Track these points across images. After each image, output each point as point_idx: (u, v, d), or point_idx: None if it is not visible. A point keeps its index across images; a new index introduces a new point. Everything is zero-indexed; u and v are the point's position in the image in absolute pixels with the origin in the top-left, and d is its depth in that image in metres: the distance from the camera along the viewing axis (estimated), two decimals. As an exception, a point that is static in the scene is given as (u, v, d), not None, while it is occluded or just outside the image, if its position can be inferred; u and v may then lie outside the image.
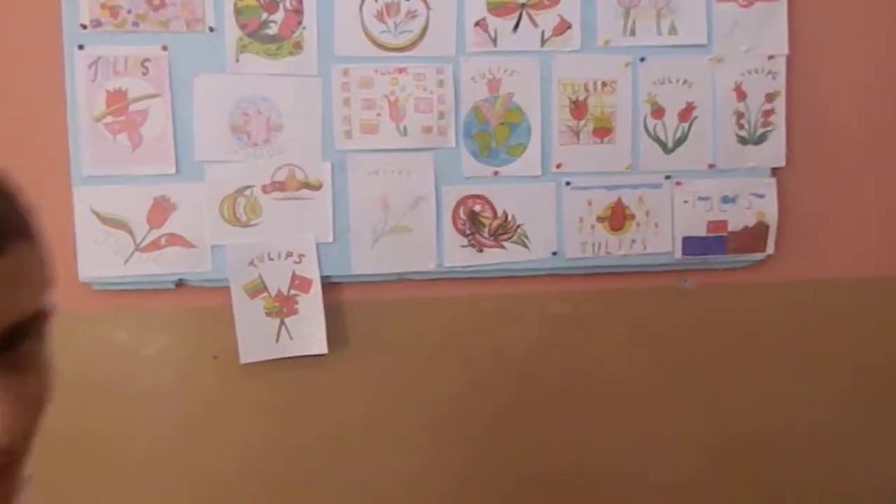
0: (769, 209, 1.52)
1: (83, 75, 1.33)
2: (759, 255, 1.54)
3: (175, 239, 1.38)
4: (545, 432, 1.53)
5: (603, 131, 1.46)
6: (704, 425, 1.57)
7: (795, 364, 1.57)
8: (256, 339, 1.37)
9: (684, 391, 1.55)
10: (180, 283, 1.40)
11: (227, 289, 1.39)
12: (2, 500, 0.50)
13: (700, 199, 1.50)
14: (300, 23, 1.38)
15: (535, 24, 1.43)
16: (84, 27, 1.33)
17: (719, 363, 1.56)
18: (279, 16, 1.37)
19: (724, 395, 1.56)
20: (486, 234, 1.45)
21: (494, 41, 1.42)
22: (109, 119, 1.35)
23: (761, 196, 1.52)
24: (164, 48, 1.35)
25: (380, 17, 1.39)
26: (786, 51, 1.49)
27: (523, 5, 1.42)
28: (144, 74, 1.35)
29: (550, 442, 1.53)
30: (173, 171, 1.36)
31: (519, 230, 1.46)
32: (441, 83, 1.41)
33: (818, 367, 1.57)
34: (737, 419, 1.57)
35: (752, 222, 1.52)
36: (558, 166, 1.46)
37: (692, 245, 1.51)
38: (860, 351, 1.58)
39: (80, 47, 1.33)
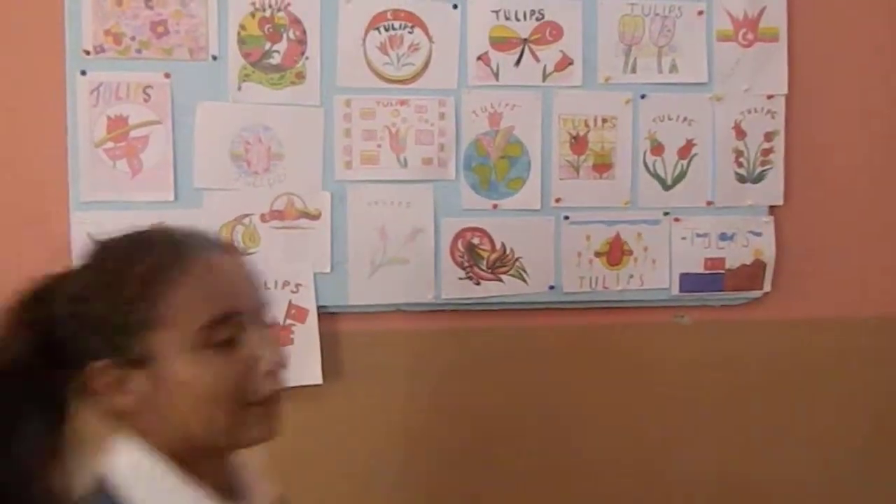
0: (766, 247, 1.52)
1: (85, 101, 1.33)
2: (755, 293, 1.54)
3: (172, 266, 1.37)
4: (540, 465, 1.52)
5: (602, 167, 1.47)
6: (697, 461, 1.56)
7: (789, 403, 1.57)
8: (251, 370, 1.36)
9: (678, 426, 1.55)
10: (176, 311, 1.39)
11: (222, 316, 1.38)
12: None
13: (698, 235, 1.51)
14: (303, 53, 1.38)
15: (538, 60, 1.44)
16: (87, 53, 1.33)
17: (714, 399, 1.55)
18: (282, 46, 1.37)
19: (718, 432, 1.56)
20: (484, 267, 1.45)
21: (496, 75, 1.43)
22: (110, 145, 1.34)
23: (759, 234, 1.52)
24: (167, 75, 1.35)
25: (383, 49, 1.40)
26: (785, 91, 1.51)
27: (525, 40, 1.43)
28: (146, 101, 1.35)
29: (545, 475, 1.52)
30: (172, 198, 1.36)
31: (517, 263, 1.46)
32: (442, 116, 1.42)
33: (813, 406, 1.57)
34: (729, 456, 1.57)
35: (749, 260, 1.52)
36: (557, 201, 1.46)
37: (689, 281, 1.51)
38: (856, 391, 1.58)
39: (83, 73, 1.33)
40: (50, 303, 0.69)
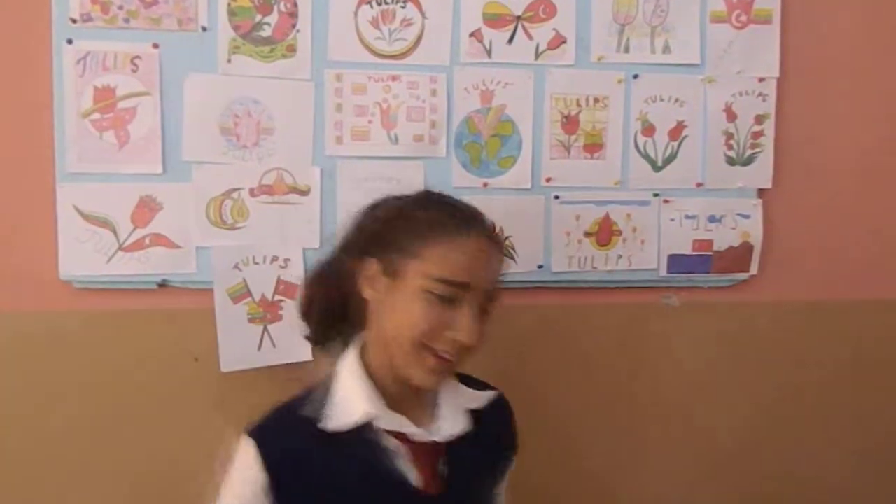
0: (754, 230, 1.53)
1: (71, 70, 1.31)
2: (742, 275, 1.55)
3: (159, 239, 1.36)
4: (527, 444, 1.53)
5: (593, 147, 1.47)
6: (683, 441, 1.58)
7: (774, 383, 1.59)
8: (238, 347, 1.35)
9: (665, 406, 1.57)
10: (163, 284, 1.38)
11: (210, 290, 1.38)
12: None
13: (687, 217, 1.51)
14: (294, 26, 1.36)
15: (531, 38, 1.43)
16: (74, 21, 1.31)
17: (700, 380, 1.57)
18: (273, 18, 1.36)
19: (704, 412, 1.58)
20: (474, 245, 1.45)
21: (489, 52, 1.42)
22: (97, 116, 1.33)
23: (747, 216, 1.53)
24: (156, 46, 1.33)
25: (375, 23, 1.38)
26: (777, 73, 1.51)
27: (519, 18, 1.42)
28: (134, 72, 1.33)
29: (532, 454, 1.53)
30: (160, 170, 1.35)
31: (506, 242, 1.46)
32: (434, 92, 1.41)
33: (797, 387, 1.59)
34: (716, 435, 1.59)
35: (737, 242, 1.53)
36: (548, 180, 1.46)
37: (677, 263, 1.52)
38: (840, 373, 1.60)
39: (69, 42, 1.31)
40: (376, 209, 1.04)
